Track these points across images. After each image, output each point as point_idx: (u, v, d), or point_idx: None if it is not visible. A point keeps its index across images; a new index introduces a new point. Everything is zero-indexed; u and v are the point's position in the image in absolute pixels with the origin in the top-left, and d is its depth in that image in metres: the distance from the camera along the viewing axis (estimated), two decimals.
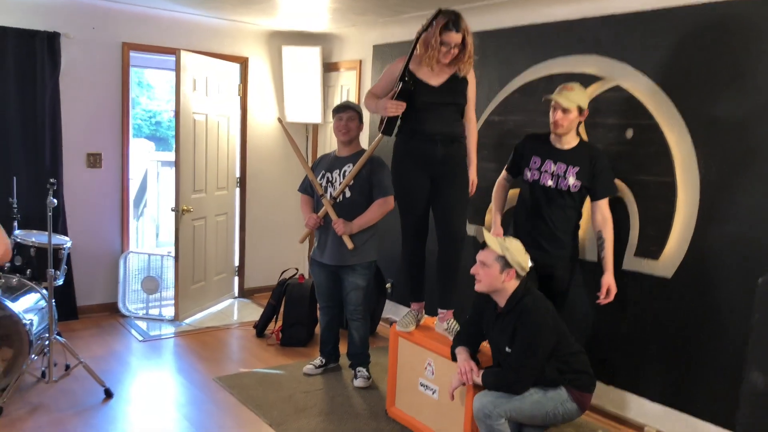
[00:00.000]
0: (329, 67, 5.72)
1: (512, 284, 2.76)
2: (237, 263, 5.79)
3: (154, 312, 5.16)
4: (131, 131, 5.09)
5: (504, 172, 3.47)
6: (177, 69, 4.71)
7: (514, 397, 2.68)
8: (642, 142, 3.34)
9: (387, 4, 4.36)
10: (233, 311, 5.45)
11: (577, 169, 3.13)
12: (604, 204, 3.18)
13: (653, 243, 3.30)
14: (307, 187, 3.94)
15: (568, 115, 3.09)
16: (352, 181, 3.67)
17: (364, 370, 3.92)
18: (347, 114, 3.73)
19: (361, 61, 5.35)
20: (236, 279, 5.81)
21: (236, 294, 5.80)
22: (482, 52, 4.13)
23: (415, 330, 3.33)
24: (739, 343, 2.98)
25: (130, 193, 5.16)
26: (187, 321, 5.02)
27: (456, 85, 3.22)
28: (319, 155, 5.87)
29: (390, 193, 3.60)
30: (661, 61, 3.26)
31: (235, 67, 5.50)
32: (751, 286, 2.90)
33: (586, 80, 3.51)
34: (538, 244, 3.17)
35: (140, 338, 4.62)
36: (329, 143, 5.77)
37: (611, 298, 3.18)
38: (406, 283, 3.45)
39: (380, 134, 3.42)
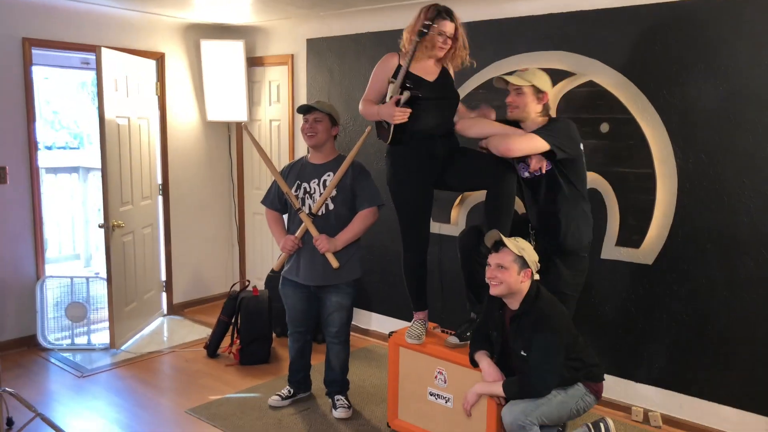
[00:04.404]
0: (254, 62, 5.36)
1: (527, 285, 2.74)
2: (164, 278, 5.31)
3: (80, 341, 4.58)
4: (38, 139, 4.46)
5: None
6: (98, 68, 4.17)
7: (541, 403, 2.68)
8: (618, 135, 3.44)
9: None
10: (167, 331, 4.99)
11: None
12: None
13: (635, 232, 3.44)
14: (274, 200, 3.54)
15: (522, 96, 2.91)
16: (335, 192, 3.35)
17: (344, 398, 3.61)
18: (312, 115, 3.39)
19: (292, 56, 5.07)
20: (164, 295, 5.33)
21: (165, 311, 5.33)
22: None
23: None
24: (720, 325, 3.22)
25: (43, 211, 4.52)
26: (124, 347, 4.53)
27: (447, 80, 3.10)
28: (244, 157, 5.59)
29: (377, 202, 3.37)
30: (632, 56, 3.38)
31: (152, 64, 5.00)
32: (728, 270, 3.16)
33: (556, 75, 3.53)
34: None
35: (79, 374, 4.08)
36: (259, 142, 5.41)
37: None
38: (411, 293, 3.25)
39: (361, 139, 3.35)
